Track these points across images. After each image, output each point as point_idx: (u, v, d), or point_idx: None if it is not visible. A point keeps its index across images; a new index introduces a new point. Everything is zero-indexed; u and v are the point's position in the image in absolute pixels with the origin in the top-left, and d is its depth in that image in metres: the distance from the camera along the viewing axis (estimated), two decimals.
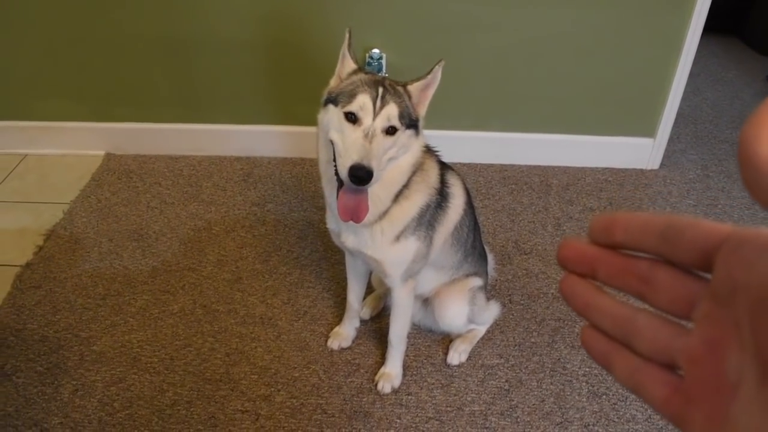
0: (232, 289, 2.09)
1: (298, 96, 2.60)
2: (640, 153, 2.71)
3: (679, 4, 2.36)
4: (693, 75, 3.51)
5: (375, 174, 1.26)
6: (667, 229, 0.31)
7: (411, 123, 1.37)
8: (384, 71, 2.48)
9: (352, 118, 1.32)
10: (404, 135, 1.35)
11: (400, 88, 1.37)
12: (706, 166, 2.79)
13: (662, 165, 2.76)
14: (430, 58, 2.43)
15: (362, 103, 1.31)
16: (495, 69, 2.54)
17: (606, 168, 2.73)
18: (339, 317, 1.95)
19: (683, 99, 3.21)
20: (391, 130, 1.32)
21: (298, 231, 2.33)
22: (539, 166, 2.72)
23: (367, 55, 2.45)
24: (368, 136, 1.29)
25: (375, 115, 1.30)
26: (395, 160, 1.38)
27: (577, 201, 2.53)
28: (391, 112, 1.31)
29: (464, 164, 2.70)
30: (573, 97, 2.60)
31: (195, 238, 2.30)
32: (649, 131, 2.67)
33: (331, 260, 2.19)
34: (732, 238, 0.28)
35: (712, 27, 3.98)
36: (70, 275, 2.13)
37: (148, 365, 1.83)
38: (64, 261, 2.19)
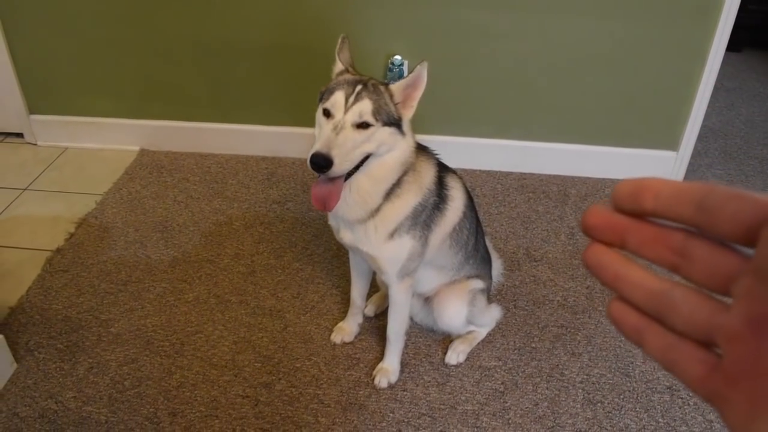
0: (246, 281, 2.17)
1: None
2: (662, 166, 2.70)
3: (704, 17, 2.35)
4: (729, 90, 3.48)
5: (336, 162, 1.34)
6: (705, 198, 0.29)
7: (391, 121, 1.43)
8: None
9: (327, 113, 1.42)
10: (382, 132, 1.41)
11: (381, 87, 1.44)
12: (732, 182, 2.75)
13: (686, 179, 2.73)
14: (452, 66, 2.49)
15: (336, 99, 1.41)
16: (516, 78, 2.57)
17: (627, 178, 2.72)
18: (344, 313, 2.01)
19: (715, 113, 3.19)
20: (363, 125, 1.39)
21: (314, 230, 2.41)
22: (558, 175, 2.73)
23: (389, 61, 2.52)
24: (336, 129, 1.37)
25: (346, 110, 1.39)
26: (378, 156, 1.44)
27: None
28: (363, 108, 1.39)
29: (483, 171, 2.73)
30: (595, 108, 2.61)
31: (216, 231, 2.40)
32: (672, 144, 2.66)
33: (342, 259, 2.25)
34: None
35: (753, 42, 3.93)
36: (96, 261, 2.25)
37: (160, 348, 1.92)
38: (92, 248, 2.31)
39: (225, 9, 2.52)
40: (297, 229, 2.41)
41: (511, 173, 2.74)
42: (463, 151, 2.66)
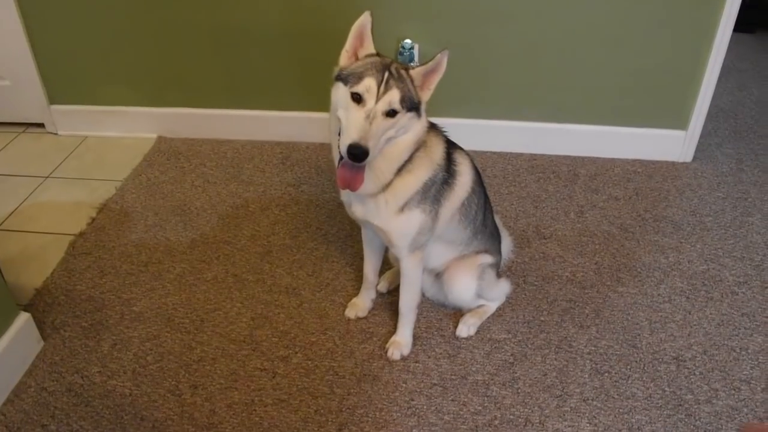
0: (262, 261, 2.23)
1: None
2: (671, 145, 2.72)
3: None
4: (740, 70, 3.48)
5: (371, 152, 1.37)
6: None
7: (412, 106, 1.47)
8: (416, 61, 2.58)
9: (357, 98, 1.43)
10: (405, 117, 1.46)
11: (404, 73, 1.47)
12: (741, 160, 2.77)
13: (695, 158, 2.76)
14: (462, 48, 2.53)
15: (368, 85, 1.42)
16: (526, 59, 2.60)
17: (636, 159, 2.75)
18: (358, 290, 2.07)
19: (726, 94, 3.20)
20: (391, 113, 1.42)
21: (328, 210, 2.46)
22: (568, 156, 2.77)
23: (399, 45, 2.56)
24: (369, 118, 1.40)
25: (378, 98, 1.41)
26: (395, 138, 1.48)
27: (603, 190, 2.57)
28: (393, 97, 1.41)
29: (494, 153, 2.77)
30: (604, 88, 2.64)
31: (232, 214, 2.46)
32: (682, 124, 2.68)
33: (356, 238, 2.31)
34: None
35: (765, 23, 3.91)
36: (117, 244, 2.32)
37: (180, 325, 1.99)
38: (113, 231, 2.38)
39: None
40: (311, 211, 2.47)
41: (521, 154, 2.78)
42: (474, 133, 2.69)
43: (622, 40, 2.51)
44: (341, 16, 2.58)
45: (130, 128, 2.98)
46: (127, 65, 2.83)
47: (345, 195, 1.67)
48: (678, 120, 2.67)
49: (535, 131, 2.75)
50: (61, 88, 2.93)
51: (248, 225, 2.40)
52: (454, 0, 2.47)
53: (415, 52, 2.56)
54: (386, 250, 2.01)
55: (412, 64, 2.55)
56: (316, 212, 2.46)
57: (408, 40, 2.54)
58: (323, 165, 2.74)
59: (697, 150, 2.75)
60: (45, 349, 1.92)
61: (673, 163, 2.74)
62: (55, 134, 3.04)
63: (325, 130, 2.83)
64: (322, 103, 2.81)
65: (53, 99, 2.96)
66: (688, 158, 2.75)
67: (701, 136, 2.72)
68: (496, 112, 2.74)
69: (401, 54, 2.55)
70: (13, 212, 2.54)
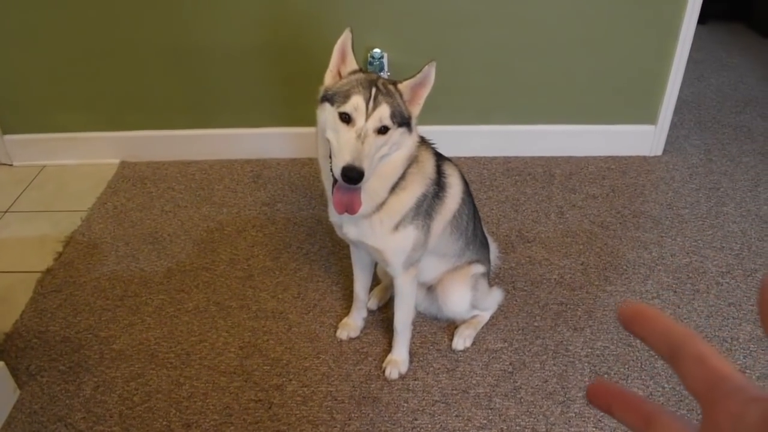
0: (244, 285, 2.16)
1: (304, 98, 2.64)
2: (642, 140, 2.75)
3: None
4: (697, 61, 3.55)
5: (366, 173, 1.32)
6: (680, 349, 0.34)
7: (403, 121, 1.43)
8: (386, 70, 2.54)
9: (346, 118, 1.38)
10: (396, 133, 1.41)
11: (392, 87, 1.43)
12: (709, 151, 2.81)
13: (665, 151, 2.79)
14: (431, 55, 2.48)
15: (356, 104, 1.37)
16: (495, 62, 2.59)
17: (609, 156, 2.77)
18: (347, 309, 2.01)
19: (687, 85, 3.25)
20: (383, 130, 1.38)
21: (307, 228, 2.40)
22: (542, 156, 2.77)
23: (368, 54, 2.52)
24: (361, 137, 1.35)
25: (367, 116, 1.36)
26: (388, 156, 1.44)
27: (580, 189, 2.57)
28: (383, 113, 1.37)
29: (468, 158, 2.75)
30: (573, 88, 2.65)
31: (208, 238, 2.38)
32: (651, 118, 2.71)
33: (339, 255, 2.26)
34: (725, 386, 0.31)
35: (716, 14, 4.01)
36: (89, 279, 2.22)
37: (165, 360, 1.91)
38: (82, 265, 2.28)
39: (196, 13, 2.49)
40: (290, 230, 2.40)
41: (496, 158, 2.77)
42: (446, 139, 2.63)
43: (589, 39, 2.52)
44: (305, 29, 2.55)
45: (90, 154, 2.86)
46: (84, 89, 2.72)
47: (335, 216, 1.62)
48: (647, 115, 2.70)
49: (508, 134, 2.75)
50: (13, 116, 2.79)
51: (225, 249, 2.33)
52: (421, 7, 2.45)
53: (385, 61, 2.52)
54: (375, 266, 1.96)
55: (382, 73, 2.51)
56: (295, 231, 2.39)
57: (377, 50, 2.50)
58: (297, 181, 2.67)
59: (667, 143, 2.78)
60: (22, 398, 1.81)
61: (645, 158, 2.77)
62: (10, 165, 2.90)
63: (296, 145, 2.80)
64: (290, 117, 2.78)
65: (6, 129, 2.82)
66: (659, 152, 2.78)
67: (669, 129, 2.76)
68: (467, 117, 2.73)
69: (371, 64, 2.51)
70: None
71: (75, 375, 1.88)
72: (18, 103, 2.75)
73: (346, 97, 1.38)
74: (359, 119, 1.37)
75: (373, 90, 1.38)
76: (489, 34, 2.51)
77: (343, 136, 1.37)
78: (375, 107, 1.37)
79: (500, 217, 2.43)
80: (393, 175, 1.49)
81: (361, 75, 1.45)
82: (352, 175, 1.31)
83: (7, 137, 2.83)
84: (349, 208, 1.42)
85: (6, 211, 2.61)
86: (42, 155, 2.87)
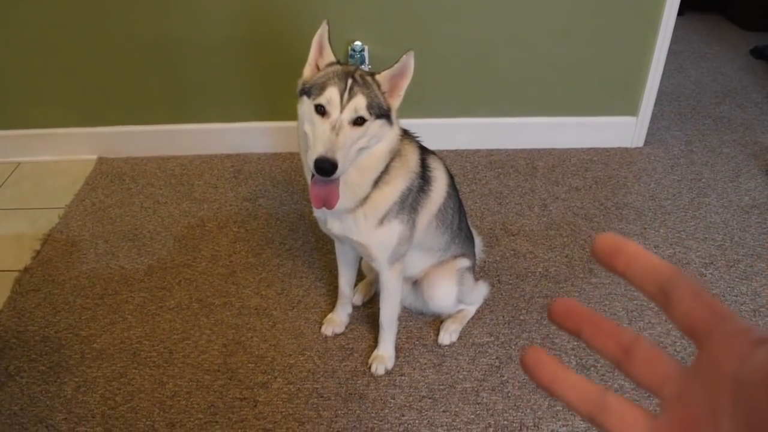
0: (227, 282, 2.13)
1: (284, 91, 2.63)
2: (623, 131, 2.75)
3: None
4: (676, 53, 3.57)
5: (340, 165, 1.31)
6: (668, 283, 0.32)
7: (382, 113, 1.41)
8: (367, 63, 2.52)
9: (321, 110, 1.36)
10: (374, 125, 1.39)
11: (369, 79, 1.41)
12: (690, 142, 2.83)
13: (646, 143, 2.80)
14: (413, 48, 2.47)
15: (330, 96, 1.35)
16: (477, 55, 2.58)
17: (591, 148, 2.77)
18: (332, 305, 2.00)
19: (666, 77, 3.26)
20: (359, 121, 1.36)
21: (289, 224, 2.38)
22: (525, 149, 2.77)
23: (349, 48, 2.49)
24: (335, 129, 1.33)
25: (342, 107, 1.35)
26: (368, 149, 1.42)
27: (563, 181, 2.57)
28: (358, 104, 1.35)
29: (451, 151, 2.74)
30: (555, 80, 2.64)
31: (189, 235, 2.34)
32: (632, 110, 2.71)
33: (322, 250, 2.24)
34: (727, 326, 0.29)
35: (694, 5, 4.03)
36: (68, 277, 2.17)
37: (148, 359, 1.88)
38: (61, 264, 2.23)
39: (174, 5, 2.45)
40: (272, 225, 2.37)
41: (478, 150, 2.76)
42: (429, 132, 2.61)
43: (570, 31, 2.51)
44: (285, 22, 2.51)
45: (66, 151, 2.80)
46: (59, 84, 2.66)
47: (319, 212, 1.60)
48: (628, 106, 2.71)
49: (490, 127, 2.74)
50: None
51: (207, 245, 2.29)
52: (403, 0, 2.42)
53: (366, 54, 2.50)
54: (360, 260, 1.95)
55: (363, 66, 2.49)
56: (278, 226, 2.37)
57: (358, 42, 2.48)
58: (278, 176, 2.64)
59: (648, 134, 2.79)
60: (1, 400, 1.77)
61: (626, 149, 2.78)
62: None
63: (277, 139, 2.77)
64: (270, 111, 2.74)
65: None
66: (640, 143, 2.79)
67: (650, 121, 2.77)
68: (449, 110, 2.72)
69: (351, 57, 2.49)
70: None
71: (55, 375, 1.84)
72: None
73: (321, 89, 1.37)
74: (334, 111, 1.35)
75: (349, 81, 1.37)
76: (470, 27, 2.50)
77: (318, 128, 1.36)
78: (350, 98, 1.35)
79: (484, 211, 2.42)
80: (375, 168, 1.47)
81: (337, 67, 1.43)
82: (325, 167, 1.30)
83: None
84: (327, 202, 1.40)
85: None
86: (17, 152, 2.81)
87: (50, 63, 2.59)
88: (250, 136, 2.77)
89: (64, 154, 2.81)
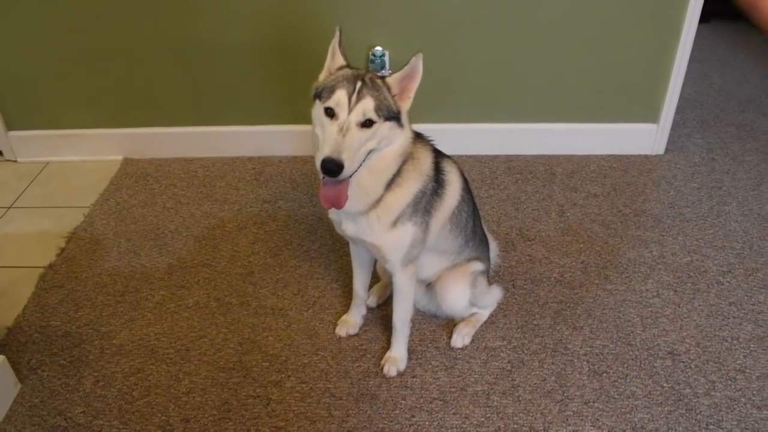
0: (245, 282, 2.17)
1: (305, 95, 2.59)
2: (644, 139, 2.74)
3: None
4: (700, 60, 3.53)
5: (346, 166, 1.33)
6: None
7: (391, 115, 1.43)
8: (387, 68, 2.54)
9: (330, 113, 1.40)
10: (383, 127, 1.41)
11: (379, 82, 1.43)
12: (712, 150, 2.80)
13: (667, 150, 2.78)
14: (433, 53, 2.50)
15: (338, 98, 1.38)
16: (498, 61, 2.59)
17: (610, 155, 2.76)
18: (347, 306, 2.02)
19: (689, 84, 3.24)
20: (367, 123, 1.38)
21: (307, 226, 2.41)
22: (544, 155, 2.76)
23: (369, 52, 2.52)
24: (342, 130, 1.36)
25: (350, 109, 1.37)
26: (378, 151, 1.44)
27: (581, 188, 2.57)
28: (366, 106, 1.37)
29: (470, 156, 2.75)
30: (575, 86, 2.64)
31: (209, 235, 2.39)
32: (653, 117, 2.70)
33: (339, 252, 2.26)
34: None
35: (720, 12, 3.99)
36: (90, 274, 2.23)
37: (165, 356, 1.92)
38: (84, 261, 2.29)
39: (200, 10, 2.50)
40: (290, 227, 2.41)
41: (497, 156, 2.76)
42: (448, 138, 2.63)
43: (591, 37, 2.51)
44: (307, 27, 2.55)
45: (93, 151, 2.88)
46: (87, 86, 2.73)
47: (334, 213, 1.63)
48: (649, 114, 2.69)
49: (510, 132, 2.74)
50: (18, 113, 2.81)
51: (226, 246, 2.33)
52: (424, 6, 2.45)
53: (386, 59, 2.52)
54: (375, 263, 1.97)
55: (384, 71, 2.52)
56: (296, 228, 2.40)
57: (378, 48, 2.50)
58: (298, 179, 2.68)
59: (669, 142, 2.77)
60: (23, 392, 1.82)
61: (646, 156, 2.76)
62: (15, 161, 2.91)
63: (298, 142, 2.81)
64: (292, 115, 2.78)
65: (10, 125, 2.84)
66: (661, 150, 2.77)
67: (671, 128, 2.75)
68: (469, 115, 2.73)
69: (372, 62, 2.51)
70: None
71: (75, 369, 1.89)
72: (22, 99, 2.77)
73: (331, 92, 1.40)
74: (342, 113, 1.38)
75: (358, 84, 1.39)
76: (491, 32, 2.51)
77: (326, 130, 1.39)
78: (358, 100, 1.38)
79: (501, 216, 2.43)
80: (386, 170, 1.49)
81: (347, 70, 1.46)
82: (331, 167, 1.32)
83: (12, 133, 2.85)
84: (336, 203, 1.42)
85: (10, 207, 2.63)
86: (46, 151, 2.89)
87: (79, 66, 2.66)
88: (272, 139, 2.81)
89: (90, 155, 2.88)
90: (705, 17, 3.91)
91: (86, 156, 2.88)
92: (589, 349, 1.90)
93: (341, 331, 1.96)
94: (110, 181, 2.72)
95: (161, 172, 2.77)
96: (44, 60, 2.65)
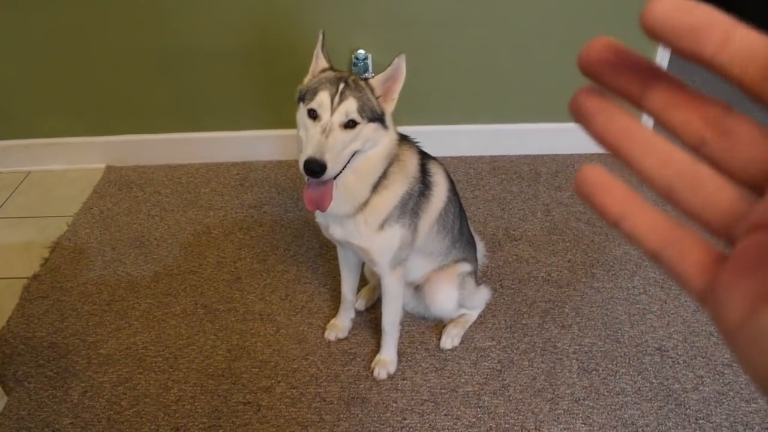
0: (232, 288, 2.16)
1: (289, 99, 2.61)
2: None
3: None
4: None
5: (329, 166, 1.33)
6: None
7: (375, 117, 1.43)
8: (371, 71, 2.54)
9: (313, 114, 1.40)
10: (367, 128, 1.41)
11: (362, 83, 1.44)
12: None
13: None
14: (416, 56, 2.50)
15: (321, 100, 1.39)
16: (480, 62, 2.60)
17: (593, 153, 2.78)
18: (335, 310, 2.01)
19: None
20: (350, 124, 1.39)
21: (294, 230, 2.40)
22: (528, 155, 2.78)
23: (352, 55, 2.52)
24: (325, 131, 1.36)
25: (333, 110, 1.38)
26: (363, 153, 1.44)
27: (566, 187, 2.58)
28: (349, 107, 1.38)
29: (455, 157, 2.75)
30: (558, 86, 2.64)
31: (194, 242, 2.37)
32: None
33: (326, 257, 2.26)
34: None
35: None
36: (75, 284, 2.20)
37: (153, 364, 1.90)
38: (69, 271, 2.26)
39: (181, 16, 2.49)
40: (277, 232, 2.40)
41: (482, 157, 2.77)
42: (433, 139, 2.64)
43: (573, 37, 2.53)
44: (290, 32, 2.54)
45: (75, 160, 2.85)
46: (68, 94, 2.70)
47: (321, 217, 1.62)
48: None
49: (494, 133, 2.76)
50: None
51: (213, 252, 2.32)
52: (406, 8, 2.45)
53: (369, 62, 2.52)
54: (363, 266, 1.97)
55: (367, 74, 2.52)
56: (282, 233, 2.39)
57: (361, 51, 2.51)
58: (283, 183, 2.67)
59: None
60: (9, 405, 1.80)
61: None
62: None
63: (282, 147, 2.80)
64: (275, 120, 2.77)
65: None
66: None
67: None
68: (454, 117, 2.74)
69: (355, 65, 2.51)
70: None
71: (62, 380, 1.87)
72: (2, 108, 2.73)
73: (314, 94, 1.41)
74: (324, 114, 1.38)
75: (341, 85, 1.39)
76: (473, 34, 2.52)
77: (310, 131, 1.39)
78: (341, 101, 1.38)
79: (487, 216, 2.44)
80: (372, 173, 1.49)
81: (330, 73, 1.47)
82: (314, 168, 1.33)
83: None
84: (320, 205, 1.43)
85: None
86: (27, 161, 2.86)
87: (59, 73, 2.64)
88: (256, 145, 2.80)
89: (72, 163, 2.85)
90: None
91: (68, 165, 2.85)
92: (577, 347, 1.91)
93: (330, 335, 1.95)
94: (93, 190, 2.70)
95: (145, 179, 2.75)
96: (23, 68, 2.62)
